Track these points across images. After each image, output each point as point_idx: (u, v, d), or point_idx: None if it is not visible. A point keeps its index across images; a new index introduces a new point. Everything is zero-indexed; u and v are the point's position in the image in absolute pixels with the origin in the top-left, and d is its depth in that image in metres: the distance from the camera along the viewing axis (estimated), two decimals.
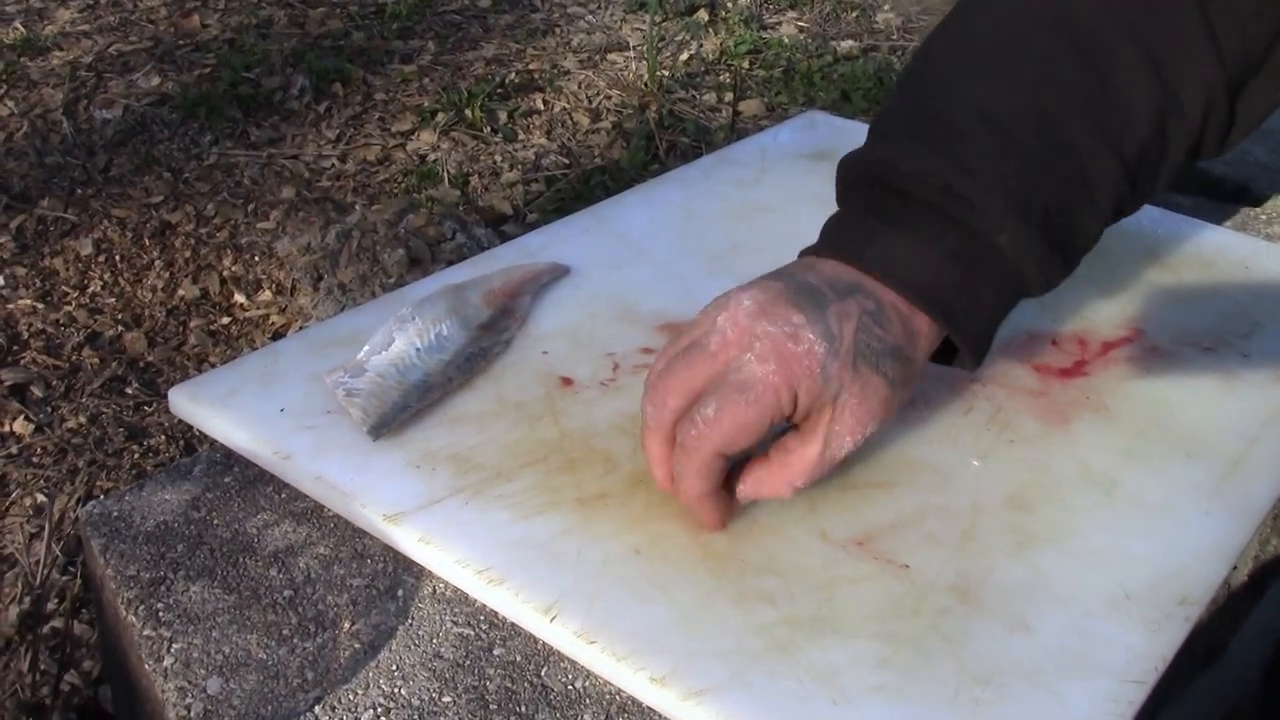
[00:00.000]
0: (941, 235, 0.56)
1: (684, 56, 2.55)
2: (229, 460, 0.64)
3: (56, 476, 1.46)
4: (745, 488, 0.57)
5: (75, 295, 1.79)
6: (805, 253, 0.60)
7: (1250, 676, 0.76)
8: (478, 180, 2.10)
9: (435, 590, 0.56)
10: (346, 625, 0.54)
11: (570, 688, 0.52)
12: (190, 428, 1.53)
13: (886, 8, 2.86)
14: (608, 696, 0.51)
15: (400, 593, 0.56)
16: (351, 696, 0.51)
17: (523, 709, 0.51)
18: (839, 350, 0.54)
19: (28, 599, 1.20)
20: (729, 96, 2.36)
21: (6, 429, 1.53)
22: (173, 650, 0.53)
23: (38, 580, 1.10)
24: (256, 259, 1.89)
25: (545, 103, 2.34)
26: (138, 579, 0.57)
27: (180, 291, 1.82)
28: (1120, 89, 0.58)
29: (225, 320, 1.78)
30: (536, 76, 2.42)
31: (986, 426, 0.65)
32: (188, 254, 1.90)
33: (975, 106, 0.58)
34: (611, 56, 2.53)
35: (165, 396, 1.37)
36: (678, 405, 0.55)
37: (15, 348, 1.68)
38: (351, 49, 2.47)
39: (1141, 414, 0.67)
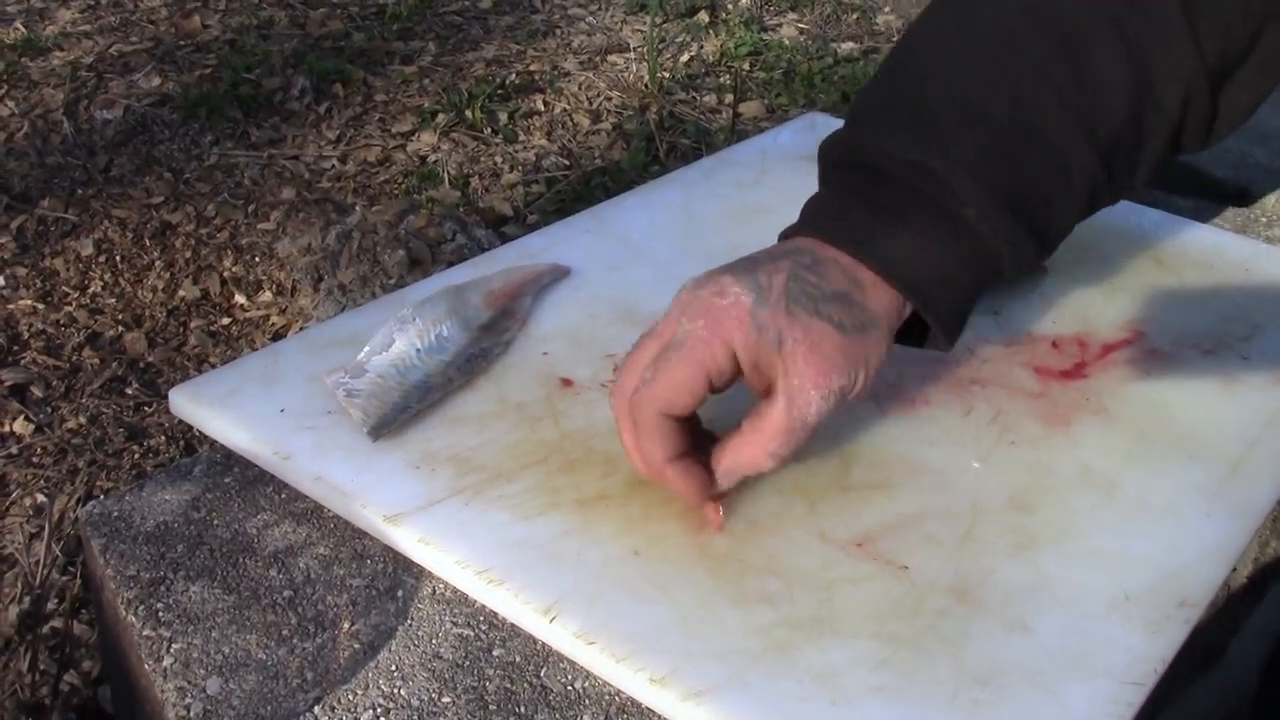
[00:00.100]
0: (909, 209, 0.57)
1: (684, 58, 2.55)
2: (229, 460, 0.64)
3: (56, 477, 1.46)
4: (722, 461, 0.56)
5: (76, 295, 1.80)
6: (781, 235, 0.61)
7: (1249, 678, 0.76)
8: (478, 181, 2.10)
9: (435, 591, 0.57)
10: (346, 625, 0.54)
11: (569, 688, 0.52)
12: (190, 428, 1.53)
13: (887, 10, 2.86)
14: (607, 697, 0.51)
15: (400, 593, 0.56)
16: (351, 697, 0.51)
17: (522, 710, 0.51)
18: (768, 298, 0.54)
19: (27, 599, 1.20)
20: (729, 98, 2.36)
21: (6, 429, 1.53)
22: (172, 650, 0.53)
23: (37, 580, 1.10)
24: (257, 260, 1.89)
25: (546, 104, 2.34)
26: (137, 579, 0.57)
27: (181, 292, 1.82)
28: (1095, 76, 0.58)
29: (225, 321, 1.78)
30: (537, 78, 2.43)
31: (987, 428, 0.65)
32: (188, 254, 1.90)
33: (948, 89, 0.59)
34: (612, 58, 2.53)
35: (165, 397, 1.37)
36: (632, 385, 0.55)
37: (15, 348, 1.68)
38: (352, 50, 2.47)
39: (1142, 416, 0.67)
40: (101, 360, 1.67)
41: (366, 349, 0.67)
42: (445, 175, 2.09)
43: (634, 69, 2.48)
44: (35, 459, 1.49)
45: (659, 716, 0.50)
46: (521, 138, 2.23)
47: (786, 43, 2.63)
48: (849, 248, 0.56)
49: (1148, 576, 0.56)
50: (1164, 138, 0.61)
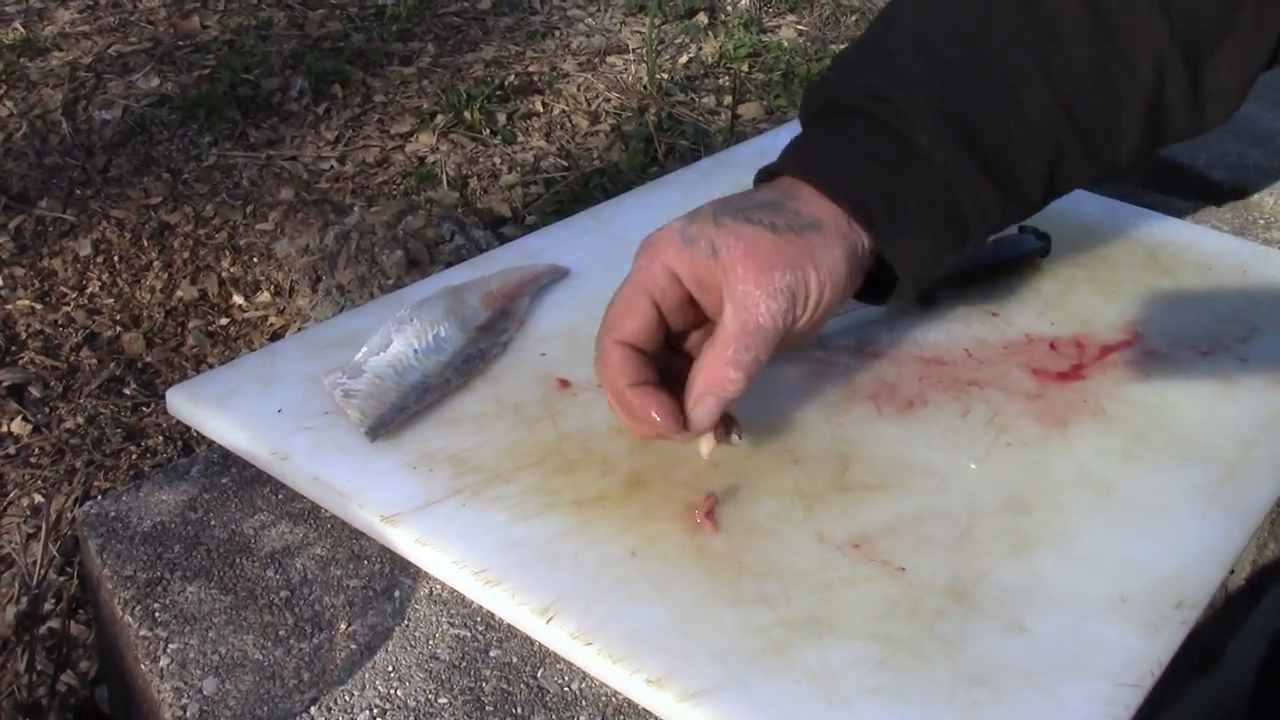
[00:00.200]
0: (864, 137, 0.59)
1: (683, 59, 2.55)
2: (226, 461, 0.64)
3: (54, 477, 1.46)
4: (692, 388, 0.56)
5: (74, 296, 1.79)
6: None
7: (1247, 681, 0.76)
8: (476, 182, 2.10)
9: (432, 591, 0.56)
10: (343, 626, 0.54)
11: (566, 689, 0.52)
12: (188, 429, 1.53)
13: None
14: (604, 698, 0.51)
15: (397, 594, 0.56)
16: (348, 697, 0.51)
17: (519, 710, 0.51)
18: (696, 216, 0.57)
19: (25, 599, 1.20)
20: (728, 99, 2.36)
21: (4, 429, 1.53)
22: (169, 650, 0.53)
23: (34, 581, 1.10)
24: (255, 260, 1.89)
25: (544, 105, 2.34)
26: (134, 579, 0.57)
27: (179, 292, 1.82)
28: (1055, 27, 0.60)
29: (223, 321, 1.78)
30: (536, 79, 2.43)
31: (984, 429, 0.65)
32: (186, 255, 1.90)
33: (910, 33, 0.61)
34: (611, 59, 2.54)
35: (163, 397, 1.37)
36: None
37: (13, 348, 1.68)
38: (351, 51, 2.47)
39: (1139, 417, 0.67)
40: (99, 360, 1.67)
41: (364, 349, 0.67)
42: (444, 176, 2.09)
43: (633, 70, 2.48)
44: (33, 459, 1.49)
45: (656, 717, 0.50)
46: (520, 139, 2.23)
47: (785, 44, 2.63)
48: (793, 170, 0.58)
49: (1145, 578, 0.56)
50: (1142, 109, 0.61)
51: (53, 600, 1.24)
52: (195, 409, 0.65)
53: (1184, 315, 0.77)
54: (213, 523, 0.60)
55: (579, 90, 2.40)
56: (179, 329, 1.76)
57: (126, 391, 1.62)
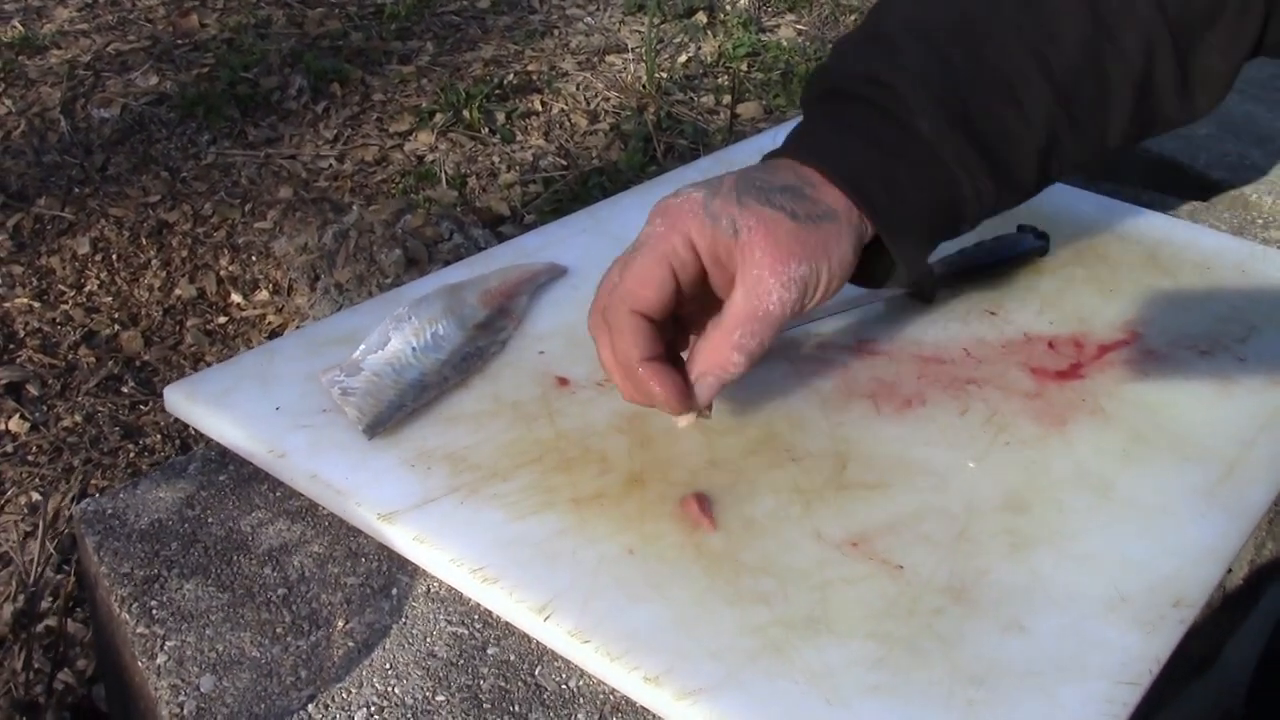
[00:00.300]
0: (864, 121, 0.59)
1: (682, 59, 2.55)
2: (224, 458, 0.64)
3: (52, 475, 1.46)
4: (695, 365, 0.56)
5: (72, 294, 1.79)
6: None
7: (1245, 680, 0.76)
8: (475, 181, 2.10)
9: (429, 589, 0.56)
10: (340, 624, 0.54)
11: (564, 687, 0.52)
12: (186, 427, 1.53)
13: None
14: (601, 696, 0.51)
15: (394, 591, 0.56)
16: (345, 695, 0.51)
17: (516, 708, 0.51)
18: (718, 190, 0.56)
19: (22, 597, 1.20)
20: (727, 99, 2.36)
21: (2, 427, 1.53)
22: (166, 648, 0.53)
23: (32, 578, 1.10)
24: (253, 259, 1.88)
25: (543, 104, 2.34)
26: (131, 576, 0.57)
27: (177, 291, 1.82)
28: (1048, 13, 0.60)
29: (222, 320, 1.78)
30: (535, 78, 2.43)
31: (982, 428, 0.65)
32: (185, 253, 1.89)
33: (908, 21, 0.62)
34: (610, 58, 2.53)
35: (161, 395, 1.37)
36: (606, 299, 0.57)
37: (11, 346, 1.67)
38: (350, 49, 2.47)
39: (1137, 417, 0.67)
40: (97, 359, 1.67)
41: (362, 347, 0.67)
42: (442, 175, 2.09)
43: (632, 69, 2.48)
44: (30, 457, 1.49)
45: (654, 715, 0.50)
46: (519, 138, 2.23)
47: (784, 44, 2.63)
48: (803, 155, 0.58)
49: (1143, 577, 0.56)
50: (1131, 93, 0.62)
51: (50, 598, 1.23)
52: (193, 407, 0.65)
53: (1183, 315, 0.77)
54: (210, 520, 0.60)
55: (578, 89, 2.40)
56: (177, 327, 1.76)
57: (124, 390, 1.62)
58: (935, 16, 0.61)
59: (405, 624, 0.54)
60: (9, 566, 1.30)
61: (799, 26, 2.77)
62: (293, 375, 0.67)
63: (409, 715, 0.50)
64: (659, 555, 0.55)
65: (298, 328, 1.70)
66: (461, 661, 0.53)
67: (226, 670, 0.52)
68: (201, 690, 0.51)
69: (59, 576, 1.26)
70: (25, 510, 1.40)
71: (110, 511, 0.61)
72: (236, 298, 1.81)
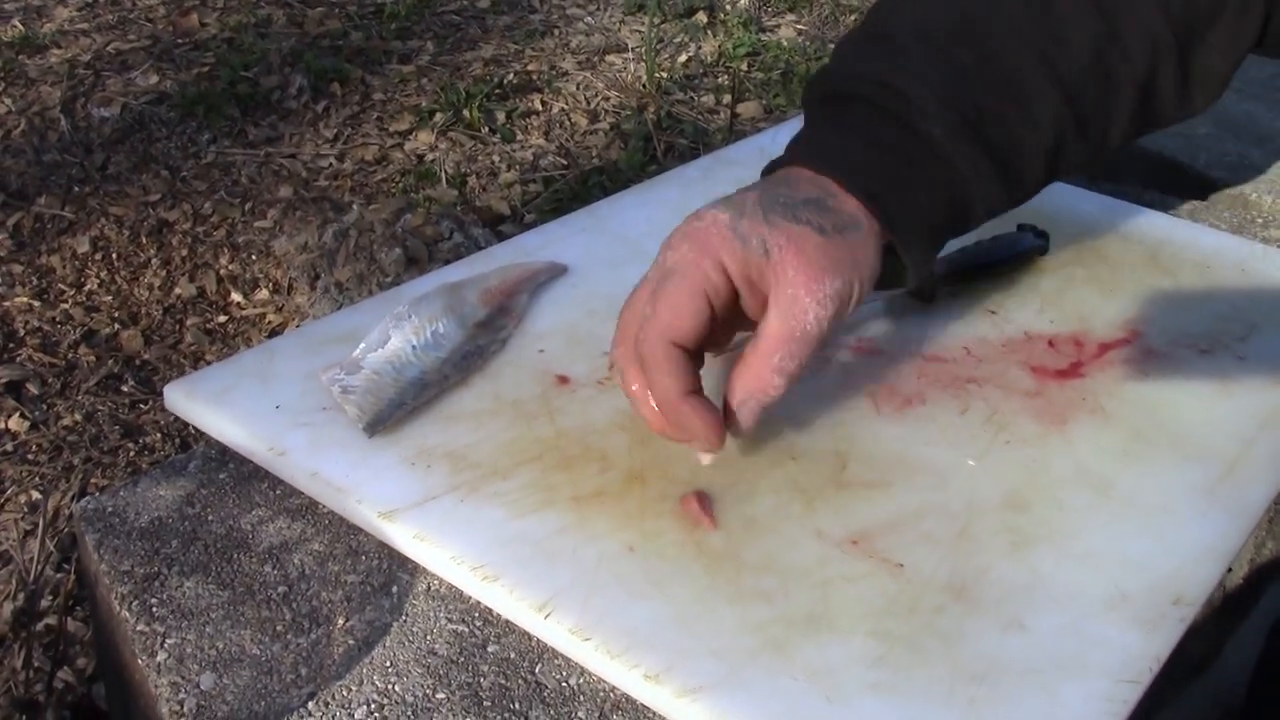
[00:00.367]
0: (874, 127, 0.58)
1: (682, 58, 2.55)
2: (224, 456, 0.64)
3: (52, 474, 1.46)
4: (735, 392, 0.56)
5: (72, 293, 1.79)
6: (762, 171, 0.63)
7: (1245, 679, 0.76)
8: (475, 180, 2.10)
9: (430, 587, 0.56)
10: (341, 621, 0.54)
11: (564, 685, 0.52)
12: (186, 426, 1.53)
13: None
14: (602, 694, 0.51)
15: (395, 589, 0.56)
16: (345, 693, 0.51)
17: (517, 706, 0.51)
18: (744, 210, 0.55)
19: (22, 596, 1.20)
20: (727, 98, 2.36)
21: (2, 426, 1.53)
22: (166, 646, 0.53)
23: (32, 577, 1.10)
24: (253, 258, 1.88)
25: (543, 103, 2.34)
26: (131, 574, 0.57)
27: (177, 290, 1.82)
28: (1055, 14, 0.60)
29: (222, 319, 1.78)
30: (535, 77, 2.43)
31: (983, 427, 0.65)
32: (185, 252, 1.89)
33: (912, 22, 0.61)
34: (610, 58, 2.53)
35: (161, 394, 1.36)
36: (634, 330, 0.56)
37: (11, 345, 1.67)
38: (350, 49, 2.47)
39: (1138, 416, 0.67)
40: (97, 357, 1.67)
41: (362, 346, 0.67)
42: (443, 174, 2.09)
43: (632, 69, 2.48)
44: (30, 456, 1.49)
45: (654, 713, 0.50)
46: (519, 137, 2.23)
47: (785, 44, 2.63)
48: (815, 163, 0.58)
49: (1143, 575, 0.56)
50: (1134, 93, 0.62)
51: (50, 597, 1.23)
52: (193, 405, 0.65)
53: (1183, 314, 0.77)
54: (210, 518, 0.60)
55: (578, 89, 2.40)
56: (177, 326, 1.76)
57: (124, 389, 1.62)
58: (940, 17, 0.61)
59: (406, 622, 0.54)
60: (9, 565, 1.30)
61: (799, 26, 2.77)
62: (293, 373, 0.67)
63: (409, 713, 0.50)
64: (659, 553, 0.55)
65: (298, 326, 1.70)
66: (462, 659, 0.53)
67: (227, 668, 0.52)
68: (202, 688, 0.51)
69: (59, 575, 1.26)
70: (25, 509, 1.40)
71: (110, 509, 0.61)
72: (236, 296, 1.82)
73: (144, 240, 1.91)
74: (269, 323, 1.77)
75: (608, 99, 2.37)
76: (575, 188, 2.06)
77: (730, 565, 0.55)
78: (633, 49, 2.57)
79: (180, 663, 0.52)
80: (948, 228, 0.60)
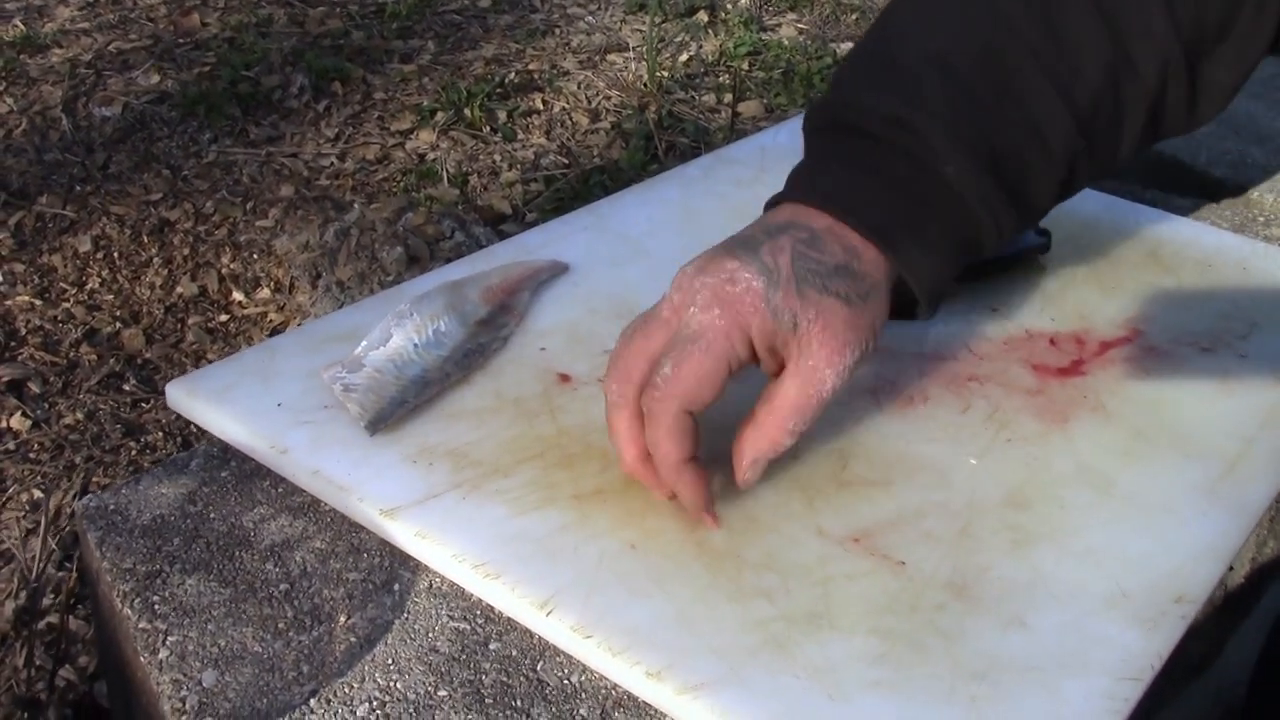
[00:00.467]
0: (888, 166, 0.57)
1: (683, 58, 2.55)
2: (226, 454, 0.64)
3: (53, 472, 1.46)
4: (745, 451, 0.56)
5: (73, 292, 1.79)
6: (766, 204, 0.61)
7: (1246, 678, 0.76)
8: (477, 179, 2.10)
9: (431, 585, 0.56)
10: (342, 619, 0.54)
11: (566, 682, 0.52)
12: (188, 424, 1.53)
13: None
14: (604, 691, 0.51)
15: (396, 587, 0.56)
16: (347, 690, 0.51)
17: (518, 703, 0.51)
18: (778, 280, 0.54)
19: (24, 594, 1.20)
20: (728, 98, 2.36)
21: (4, 425, 1.53)
22: (168, 643, 0.53)
23: (33, 575, 1.10)
24: (255, 257, 1.88)
25: (545, 103, 2.34)
26: (133, 572, 0.57)
27: (178, 289, 1.82)
28: (1070, 40, 0.59)
29: (223, 318, 1.78)
30: (536, 77, 2.43)
31: (984, 425, 0.65)
32: (186, 251, 1.90)
33: (925, 51, 0.59)
34: (611, 57, 2.54)
35: (163, 393, 1.37)
36: (640, 377, 0.55)
37: (13, 344, 1.68)
38: (351, 48, 2.47)
39: (1139, 414, 0.67)
40: (99, 356, 1.67)
41: (364, 344, 0.67)
42: (444, 173, 2.09)
43: (633, 68, 2.48)
44: (32, 455, 1.49)
45: (656, 711, 0.50)
46: (520, 136, 2.23)
47: (785, 43, 2.63)
48: (838, 213, 0.56)
49: (1145, 573, 0.56)
50: (1144, 113, 0.61)
51: (52, 595, 1.24)
52: (195, 403, 0.65)
53: (1184, 312, 0.77)
54: (212, 516, 0.60)
55: (579, 88, 2.40)
56: (179, 325, 1.76)
57: (126, 387, 1.62)
58: (956, 47, 0.59)
59: (407, 619, 0.55)
60: (11, 563, 1.30)
61: (800, 25, 2.77)
62: (294, 372, 0.67)
63: (411, 710, 0.50)
64: (661, 551, 0.56)
65: (299, 325, 1.70)
66: (464, 657, 0.53)
67: (229, 665, 0.52)
68: (204, 685, 0.51)
69: (61, 573, 1.26)
70: (27, 507, 1.40)
71: (112, 507, 0.61)
72: (238, 295, 1.82)
73: (145, 239, 1.91)
74: (270, 321, 1.77)
75: (609, 98, 2.37)
76: (576, 186, 2.06)
77: (731, 563, 0.55)
78: (634, 48, 2.57)
79: (182, 660, 0.52)
80: (962, 259, 0.60)
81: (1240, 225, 0.93)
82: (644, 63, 2.44)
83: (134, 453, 1.50)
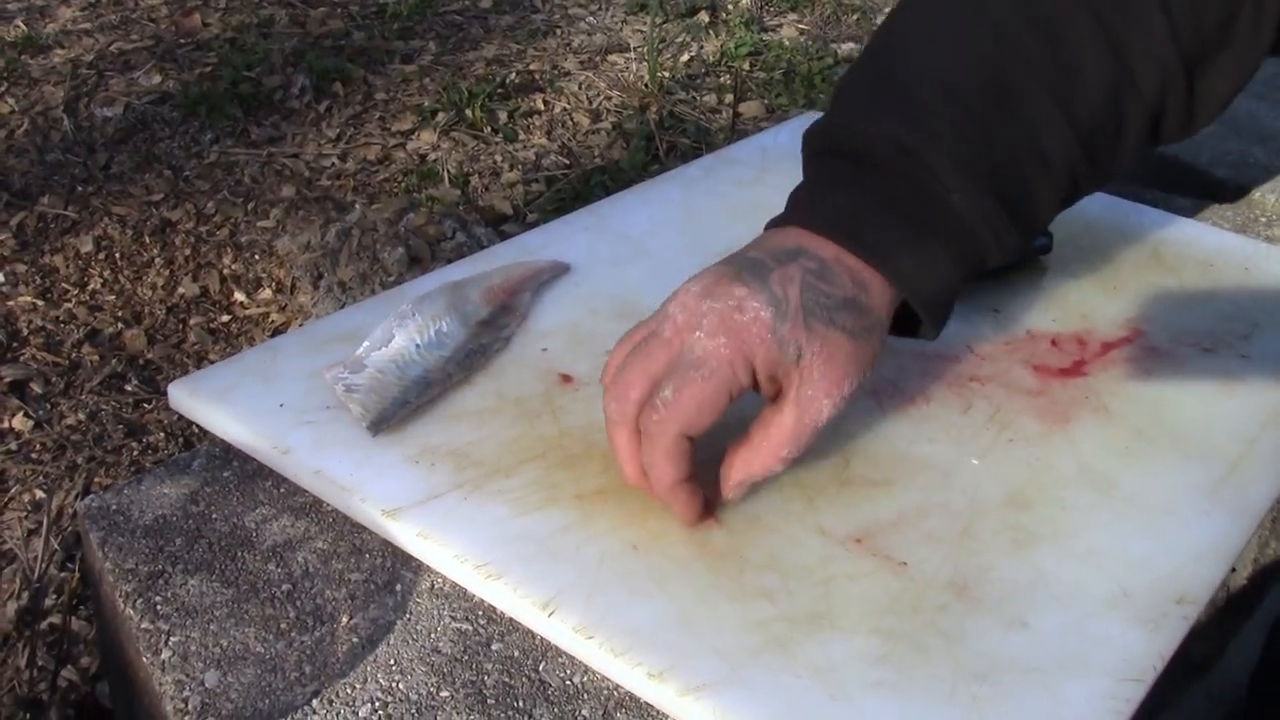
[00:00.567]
0: (893, 193, 0.57)
1: (684, 58, 2.55)
2: (228, 455, 0.64)
3: (55, 473, 1.46)
4: (735, 472, 0.56)
5: (75, 292, 1.79)
6: (768, 225, 0.61)
7: (1248, 680, 0.76)
8: (478, 180, 2.10)
9: (433, 585, 0.56)
10: (344, 619, 0.54)
11: (568, 683, 0.52)
12: (190, 425, 1.53)
13: (887, 10, 2.86)
14: (605, 692, 0.51)
15: (398, 587, 0.56)
16: (349, 690, 0.51)
17: (520, 704, 0.51)
18: (787, 312, 0.54)
19: (26, 595, 1.20)
20: (729, 98, 2.36)
21: (6, 425, 1.53)
22: (170, 643, 0.53)
23: (36, 576, 1.10)
24: (256, 257, 1.89)
25: (546, 103, 2.34)
26: (136, 572, 0.57)
27: (180, 289, 1.82)
28: (1074, 58, 0.58)
29: (225, 318, 1.78)
30: (537, 77, 2.43)
31: (986, 425, 0.65)
32: (188, 252, 1.90)
33: (929, 72, 0.59)
34: (612, 57, 2.54)
35: (164, 394, 1.37)
36: (639, 396, 0.55)
37: (15, 344, 1.68)
38: (352, 49, 2.47)
39: (1141, 414, 0.67)
40: (101, 357, 1.67)
41: (366, 344, 0.67)
42: (445, 174, 2.09)
43: (634, 69, 2.48)
44: (34, 455, 1.49)
45: (658, 711, 0.50)
46: (521, 137, 2.23)
47: (786, 43, 2.63)
48: (849, 245, 0.56)
49: (1146, 574, 0.56)
50: (1144, 126, 0.61)
51: (54, 596, 1.24)
52: (197, 403, 0.65)
53: (1186, 312, 0.77)
54: (214, 516, 0.60)
55: (580, 88, 2.40)
56: (180, 326, 1.76)
57: (128, 388, 1.62)
58: (958, 67, 0.59)
59: (409, 620, 0.55)
60: (13, 564, 1.30)
61: (801, 26, 2.77)
62: (296, 372, 0.67)
63: (413, 711, 0.50)
64: (662, 551, 0.56)
65: (301, 326, 1.70)
66: (465, 657, 0.53)
67: (231, 666, 0.52)
68: (206, 685, 0.51)
69: (63, 574, 1.26)
70: (29, 508, 1.40)
71: (115, 508, 0.61)
72: (239, 296, 1.82)
73: (147, 240, 1.91)
74: (272, 322, 1.77)
75: (610, 98, 2.37)
76: (577, 187, 2.06)
77: (733, 563, 0.55)
78: (635, 48, 2.57)
79: (184, 660, 0.52)
80: (964, 283, 0.60)
81: (1242, 226, 0.93)
82: (645, 63, 2.44)
83: (136, 453, 1.51)
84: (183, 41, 2.44)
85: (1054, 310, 0.76)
